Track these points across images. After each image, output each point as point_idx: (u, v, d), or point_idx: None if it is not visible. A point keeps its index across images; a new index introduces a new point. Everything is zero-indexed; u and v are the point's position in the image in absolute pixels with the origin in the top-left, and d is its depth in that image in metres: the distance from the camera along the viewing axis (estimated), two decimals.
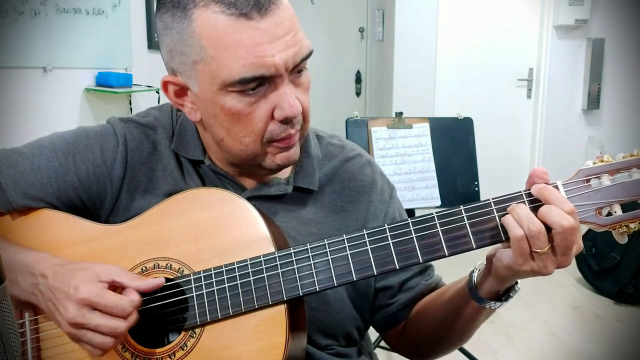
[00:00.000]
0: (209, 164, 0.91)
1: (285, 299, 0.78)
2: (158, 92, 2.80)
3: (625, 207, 0.75)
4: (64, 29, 2.38)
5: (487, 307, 0.82)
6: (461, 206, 0.77)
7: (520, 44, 4.34)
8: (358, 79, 5.15)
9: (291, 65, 0.78)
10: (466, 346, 2.30)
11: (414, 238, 0.77)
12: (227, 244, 0.81)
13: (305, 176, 0.93)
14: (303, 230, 0.90)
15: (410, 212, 2.24)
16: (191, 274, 0.81)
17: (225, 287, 0.79)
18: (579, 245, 0.73)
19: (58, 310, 0.79)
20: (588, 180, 0.75)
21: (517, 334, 2.85)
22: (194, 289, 0.81)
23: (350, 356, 0.94)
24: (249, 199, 0.85)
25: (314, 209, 0.92)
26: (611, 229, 0.76)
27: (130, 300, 0.78)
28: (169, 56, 0.82)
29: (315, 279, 0.78)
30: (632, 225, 0.74)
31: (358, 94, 5.18)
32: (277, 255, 0.79)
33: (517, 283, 0.81)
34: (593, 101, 4.31)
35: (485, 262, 0.82)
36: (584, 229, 0.76)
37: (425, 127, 2.32)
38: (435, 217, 0.77)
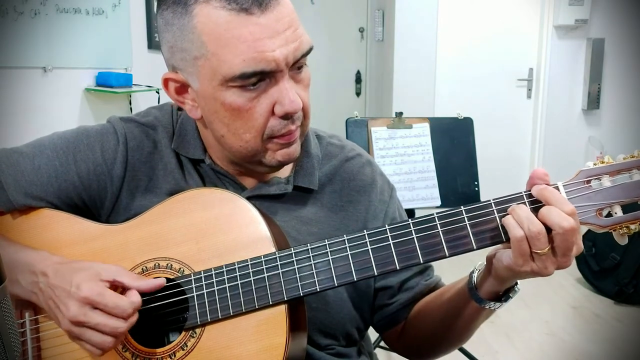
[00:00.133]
0: (210, 163, 0.91)
1: (285, 299, 0.78)
2: (158, 92, 2.80)
3: (626, 208, 0.75)
4: (64, 29, 2.38)
5: (487, 307, 0.82)
6: (462, 207, 0.77)
7: (520, 44, 4.34)
8: (358, 79, 5.15)
9: (291, 60, 0.78)
10: (466, 346, 2.30)
11: (415, 238, 0.77)
12: (227, 244, 0.81)
13: (305, 175, 0.93)
14: (303, 229, 0.90)
15: (410, 212, 2.24)
16: (192, 274, 0.81)
17: (225, 287, 0.79)
18: (579, 246, 0.73)
19: (59, 308, 0.79)
20: (588, 182, 0.75)
21: (517, 334, 2.85)
22: (194, 289, 0.81)
23: (350, 356, 0.94)
24: (249, 198, 0.85)
25: (314, 209, 0.93)
26: (611, 230, 0.76)
27: (130, 301, 0.78)
28: (170, 53, 0.82)
29: (316, 279, 0.78)
30: (632, 227, 0.74)
31: (358, 94, 5.18)
32: (277, 255, 0.79)
33: (517, 284, 0.81)
34: (593, 101, 4.31)
35: (485, 263, 0.82)
36: (584, 229, 0.76)
37: (425, 127, 2.32)
38: (436, 218, 0.77)
